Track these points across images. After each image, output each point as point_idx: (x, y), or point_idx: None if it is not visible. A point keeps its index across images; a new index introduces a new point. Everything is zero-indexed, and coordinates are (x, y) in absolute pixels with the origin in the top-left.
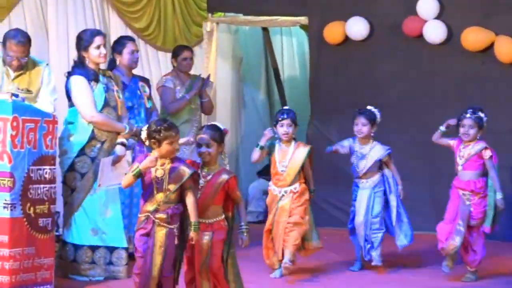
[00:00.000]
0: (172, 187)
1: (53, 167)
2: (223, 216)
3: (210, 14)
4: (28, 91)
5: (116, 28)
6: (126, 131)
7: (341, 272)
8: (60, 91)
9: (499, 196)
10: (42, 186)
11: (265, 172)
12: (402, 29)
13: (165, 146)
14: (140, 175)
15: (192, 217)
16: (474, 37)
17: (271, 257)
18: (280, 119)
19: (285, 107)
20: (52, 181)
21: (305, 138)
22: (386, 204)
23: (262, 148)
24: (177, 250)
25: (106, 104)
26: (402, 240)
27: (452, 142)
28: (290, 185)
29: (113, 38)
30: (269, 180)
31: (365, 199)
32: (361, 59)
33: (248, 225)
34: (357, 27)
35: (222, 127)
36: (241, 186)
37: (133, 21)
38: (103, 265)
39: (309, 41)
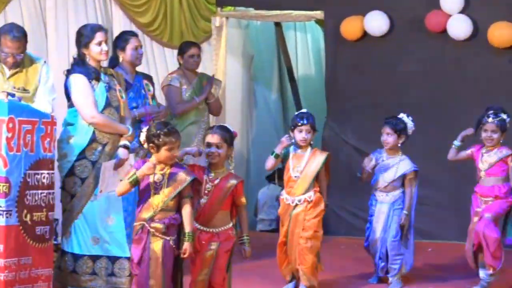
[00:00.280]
0: (170, 192)
1: (51, 171)
2: (230, 224)
3: (219, 8)
4: (25, 90)
5: (120, 23)
6: (129, 133)
7: (359, 284)
8: (59, 90)
9: None
10: (39, 191)
11: (274, 177)
12: (425, 24)
13: (163, 152)
14: (136, 182)
15: (187, 227)
16: (501, 33)
17: (284, 268)
18: (299, 124)
19: (304, 111)
20: (50, 186)
21: (320, 140)
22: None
23: (277, 156)
24: (177, 262)
25: (108, 104)
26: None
27: (470, 152)
28: (304, 193)
29: (116, 33)
30: (279, 185)
31: (383, 215)
32: (381, 57)
33: (249, 235)
34: (376, 22)
35: (231, 129)
36: (251, 192)
37: (137, 16)
38: (104, 276)
39: (325, 37)
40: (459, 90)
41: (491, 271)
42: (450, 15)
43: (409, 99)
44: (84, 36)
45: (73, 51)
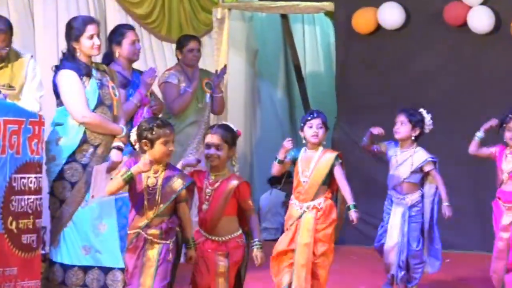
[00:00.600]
0: (164, 200)
1: (39, 175)
2: (239, 232)
3: None
4: (10, 87)
5: (114, 15)
6: (123, 133)
7: None
8: (47, 87)
9: None
10: (26, 197)
11: (277, 181)
12: (443, 17)
13: (158, 147)
14: (131, 180)
15: (188, 233)
16: None
17: (279, 276)
18: (309, 118)
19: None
20: (37, 191)
21: (330, 143)
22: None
23: (281, 162)
24: (174, 268)
25: (100, 102)
26: (427, 267)
27: (494, 150)
28: (313, 199)
29: (109, 26)
30: (283, 190)
31: (399, 219)
32: (395, 52)
33: (262, 240)
34: (391, 14)
35: (234, 128)
36: (255, 197)
37: (133, 7)
38: None
39: (335, 30)
40: (480, 87)
41: None
42: (470, 7)
43: (426, 97)
44: (74, 29)
45: (63, 45)
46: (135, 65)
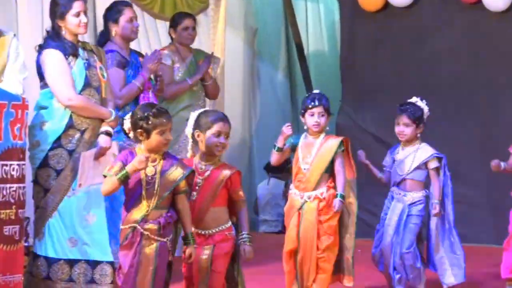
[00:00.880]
0: (163, 190)
1: (22, 162)
2: (229, 224)
3: None
4: None
5: None
6: (112, 117)
7: None
8: (31, 68)
9: None
10: (8, 185)
11: (276, 169)
12: None
13: (154, 138)
14: (126, 179)
15: (188, 227)
16: None
17: (293, 285)
18: (310, 106)
19: (316, 91)
20: (20, 179)
21: (334, 128)
22: (429, 231)
23: (280, 150)
24: (168, 268)
25: (87, 84)
26: (449, 277)
27: None
28: (315, 188)
29: (98, 3)
30: (282, 179)
31: (396, 216)
32: (405, 31)
33: (251, 234)
34: None
35: None
36: (254, 185)
37: None
38: (83, 283)
39: (340, 8)
40: (496, 70)
41: None
42: None
43: (438, 80)
44: (59, 6)
45: (47, 23)
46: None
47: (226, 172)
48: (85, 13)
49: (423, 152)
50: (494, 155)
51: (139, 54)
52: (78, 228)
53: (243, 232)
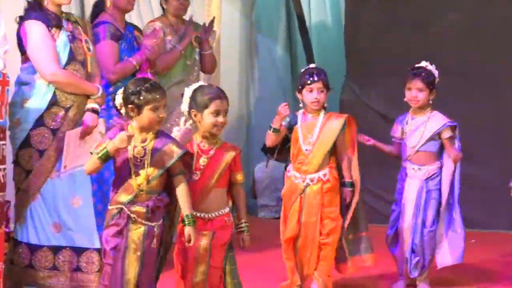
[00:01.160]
0: (154, 171)
1: (2, 142)
2: (227, 209)
3: None
4: None
5: None
6: (99, 93)
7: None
8: (11, 41)
9: None
10: None
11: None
12: None
13: (147, 114)
14: (107, 158)
15: (186, 209)
16: None
17: (295, 274)
18: (308, 82)
19: (312, 65)
20: (0, 160)
21: (338, 105)
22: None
23: (276, 131)
24: (158, 255)
25: (71, 58)
26: (446, 257)
27: None
28: (317, 170)
29: None
30: (277, 160)
31: (413, 194)
32: (414, 4)
33: (248, 221)
34: None
35: None
36: (253, 166)
37: None
38: (68, 271)
39: None
40: (508, 50)
41: None
42: None
43: (449, 58)
44: None
45: None
46: None
47: (232, 153)
48: None
49: (435, 121)
50: (507, 134)
51: (135, 27)
52: (63, 213)
53: (242, 221)
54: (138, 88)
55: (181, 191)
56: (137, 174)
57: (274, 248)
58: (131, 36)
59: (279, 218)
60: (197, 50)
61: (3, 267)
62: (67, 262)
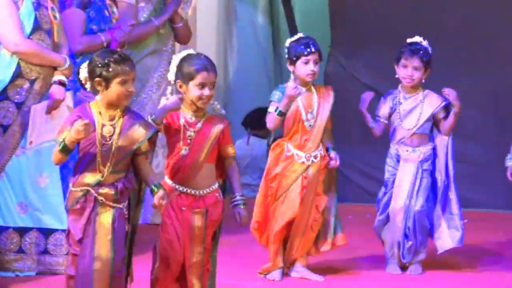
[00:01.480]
0: (121, 153)
1: None
2: (217, 184)
3: None
4: None
5: None
6: (66, 64)
7: (372, 271)
8: None
9: None
10: None
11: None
12: None
13: (115, 88)
14: (69, 150)
15: (152, 181)
16: None
17: (278, 257)
18: (305, 53)
19: (302, 35)
20: None
21: (322, 77)
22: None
23: (283, 115)
24: (127, 238)
25: (36, 26)
26: (446, 240)
27: None
28: (318, 147)
29: None
30: (263, 137)
31: (409, 177)
32: None
33: (244, 196)
34: None
35: None
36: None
37: None
38: (35, 254)
39: None
40: (508, 15)
41: None
42: None
43: (441, 25)
44: None
45: None
46: None
47: (219, 126)
48: None
49: (430, 101)
50: (505, 111)
51: None
52: (29, 192)
53: (236, 194)
54: (106, 60)
55: (145, 170)
56: (105, 155)
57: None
58: (101, 3)
59: None
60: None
61: None
62: (34, 244)
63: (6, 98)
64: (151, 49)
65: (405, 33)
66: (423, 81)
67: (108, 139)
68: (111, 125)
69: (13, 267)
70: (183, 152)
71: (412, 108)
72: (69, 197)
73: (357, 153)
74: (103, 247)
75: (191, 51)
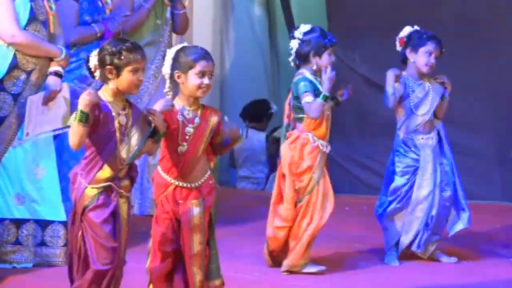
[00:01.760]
0: (138, 139)
1: None
2: (209, 172)
3: None
4: None
5: None
6: (62, 55)
7: (370, 264)
8: None
9: None
10: None
11: (256, 116)
12: None
13: (126, 76)
14: (87, 119)
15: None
16: None
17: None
18: (329, 45)
19: (309, 26)
20: None
21: None
22: None
23: (327, 98)
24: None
25: (32, 18)
26: (456, 222)
27: None
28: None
29: None
30: (261, 130)
31: (429, 165)
32: None
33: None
34: None
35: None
36: None
37: None
38: (32, 246)
39: None
40: (504, 15)
41: None
42: None
43: (438, 15)
44: None
45: None
46: None
47: (214, 118)
48: None
49: (435, 88)
50: (502, 99)
51: None
52: (26, 183)
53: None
54: (118, 48)
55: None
56: (123, 146)
57: (253, 220)
58: None
59: (260, 190)
60: (169, 8)
61: None
62: (31, 236)
63: (3, 89)
64: (148, 40)
65: (401, 25)
66: None
67: (125, 129)
68: (124, 114)
69: (10, 259)
70: (181, 148)
71: (426, 95)
72: (84, 196)
73: (354, 144)
74: (123, 240)
75: (186, 44)
